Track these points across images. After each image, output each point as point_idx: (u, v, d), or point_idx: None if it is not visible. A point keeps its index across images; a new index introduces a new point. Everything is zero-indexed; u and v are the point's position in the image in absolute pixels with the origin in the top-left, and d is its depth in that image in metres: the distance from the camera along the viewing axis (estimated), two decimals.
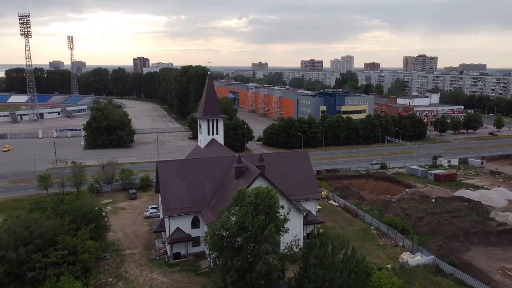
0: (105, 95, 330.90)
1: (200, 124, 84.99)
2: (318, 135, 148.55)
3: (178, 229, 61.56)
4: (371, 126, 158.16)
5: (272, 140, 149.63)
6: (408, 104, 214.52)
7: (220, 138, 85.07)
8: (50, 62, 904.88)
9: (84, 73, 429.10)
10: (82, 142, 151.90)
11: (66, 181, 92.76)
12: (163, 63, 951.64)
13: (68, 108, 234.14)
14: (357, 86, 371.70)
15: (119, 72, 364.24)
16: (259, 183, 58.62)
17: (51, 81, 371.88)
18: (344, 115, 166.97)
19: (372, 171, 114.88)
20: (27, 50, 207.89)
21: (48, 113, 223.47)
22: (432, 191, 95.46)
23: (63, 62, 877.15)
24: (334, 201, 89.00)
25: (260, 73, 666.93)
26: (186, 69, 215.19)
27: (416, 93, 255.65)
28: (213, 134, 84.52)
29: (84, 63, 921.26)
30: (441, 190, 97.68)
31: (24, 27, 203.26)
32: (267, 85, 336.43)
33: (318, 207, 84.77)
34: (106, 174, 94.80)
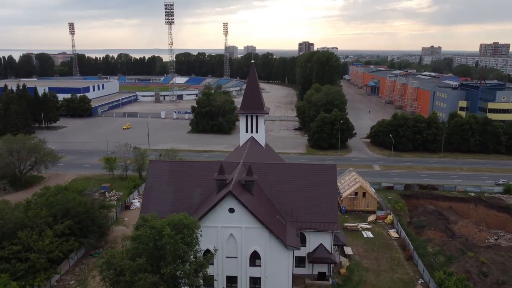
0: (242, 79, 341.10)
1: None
2: (438, 138, 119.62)
3: None
4: None
5: (379, 139, 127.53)
6: None
7: (260, 137, 73.42)
8: (226, 47, 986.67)
9: (237, 57, 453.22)
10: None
11: (128, 165, 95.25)
12: (328, 47, 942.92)
13: (230, 90, 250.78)
14: None
15: (267, 57, 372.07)
16: (230, 205, 46.81)
17: (210, 65, 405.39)
18: (489, 114, 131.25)
19: (486, 195, 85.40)
20: (170, 37, 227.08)
21: (187, 94, 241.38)
22: None
23: (236, 47, 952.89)
24: (397, 231, 68.09)
25: (429, 58, 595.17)
26: (312, 55, 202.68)
27: None
28: (251, 132, 73.42)
29: (255, 47, 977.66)
30: None
31: (169, 16, 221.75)
32: (426, 74, 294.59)
33: (370, 235, 66.45)
34: None
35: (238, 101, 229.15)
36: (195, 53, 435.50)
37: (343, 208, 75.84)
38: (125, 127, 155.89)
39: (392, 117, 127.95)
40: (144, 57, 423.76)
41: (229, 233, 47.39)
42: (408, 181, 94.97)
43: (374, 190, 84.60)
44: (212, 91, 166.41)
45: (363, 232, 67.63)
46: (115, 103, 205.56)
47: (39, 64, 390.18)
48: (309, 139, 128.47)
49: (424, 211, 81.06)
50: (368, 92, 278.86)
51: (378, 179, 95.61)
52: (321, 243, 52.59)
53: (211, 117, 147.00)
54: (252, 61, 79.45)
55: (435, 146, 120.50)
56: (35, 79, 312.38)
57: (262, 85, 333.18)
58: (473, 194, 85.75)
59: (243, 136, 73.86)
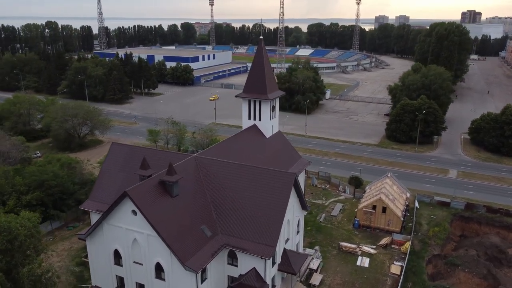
0: (374, 53, 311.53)
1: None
2: None
3: None
4: None
5: (478, 136, 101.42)
6: None
7: (264, 125, 63.82)
8: (376, 17, 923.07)
9: (371, 29, 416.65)
10: None
11: (170, 138, 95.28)
12: (499, 17, 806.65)
13: (343, 64, 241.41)
14: None
15: (402, 28, 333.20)
16: (130, 206, 40.91)
17: (342, 36, 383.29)
18: None
19: None
20: (282, 7, 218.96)
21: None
22: None
23: (387, 17, 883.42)
24: (403, 266, 52.11)
25: None
26: (433, 27, 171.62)
27: None
28: (254, 119, 64.33)
29: (408, 17, 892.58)
30: None
31: None
32: None
33: (366, 264, 53.20)
34: (197, 141, 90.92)
35: (350, 77, 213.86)
36: (348, 23, 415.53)
37: (356, 222, 61.78)
38: (212, 98, 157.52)
39: (501, 111, 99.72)
40: (277, 28, 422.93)
41: (133, 237, 41.83)
42: (487, 198, 73.12)
43: (417, 205, 67.24)
44: (300, 66, 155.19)
45: (359, 258, 53.85)
46: (221, 74, 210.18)
47: (183, 33, 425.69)
48: (386, 128, 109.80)
49: (478, 244, 61.11)
50: None
51: (442, 190, 75.88)
52: (254, 267, 42.84)
53: (290, 95, 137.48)
54: (261, 37, 68.34)
55: None
56: (173, 47, 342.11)
57: (390, 59, 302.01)
58: None
59: (245, 123, 65.40)
